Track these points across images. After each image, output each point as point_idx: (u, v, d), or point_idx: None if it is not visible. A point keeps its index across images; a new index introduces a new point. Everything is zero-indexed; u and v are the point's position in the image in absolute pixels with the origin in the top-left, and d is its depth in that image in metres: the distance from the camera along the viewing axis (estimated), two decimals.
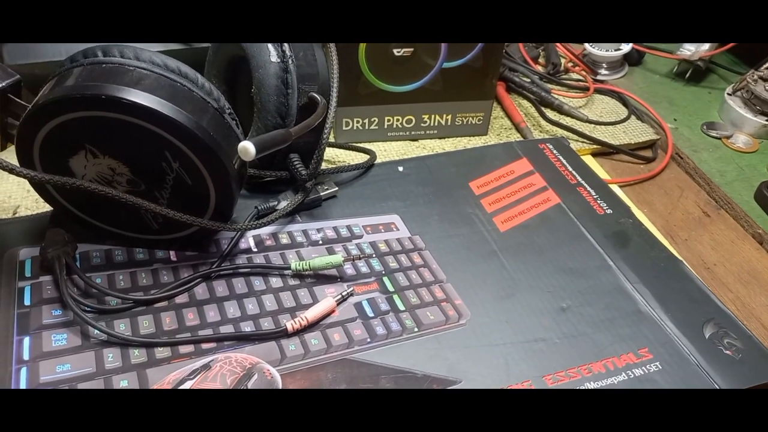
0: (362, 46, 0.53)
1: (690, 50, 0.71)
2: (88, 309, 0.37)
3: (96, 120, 0.34)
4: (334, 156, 0.56)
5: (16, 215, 0.45)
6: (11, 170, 0.34)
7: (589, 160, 0.61)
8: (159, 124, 0.34)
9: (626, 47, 0.71)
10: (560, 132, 0.62)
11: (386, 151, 0.58)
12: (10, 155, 0.37)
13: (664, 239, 0.52)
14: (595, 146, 0.61)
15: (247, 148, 0.33)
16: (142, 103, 0.34)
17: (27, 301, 0.37)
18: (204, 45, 0.50)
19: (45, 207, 0.44)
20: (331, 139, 0.58)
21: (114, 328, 0.36)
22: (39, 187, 0.38)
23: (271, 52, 0.42)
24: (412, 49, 0.54)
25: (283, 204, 0.44)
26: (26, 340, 0.35)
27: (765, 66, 0.66)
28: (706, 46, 0.70)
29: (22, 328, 0.36)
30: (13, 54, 0.51)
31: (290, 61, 0.43)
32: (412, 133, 0.60)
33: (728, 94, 0.67)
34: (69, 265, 0.38)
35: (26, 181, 0.46)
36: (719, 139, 0.64)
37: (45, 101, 0.34)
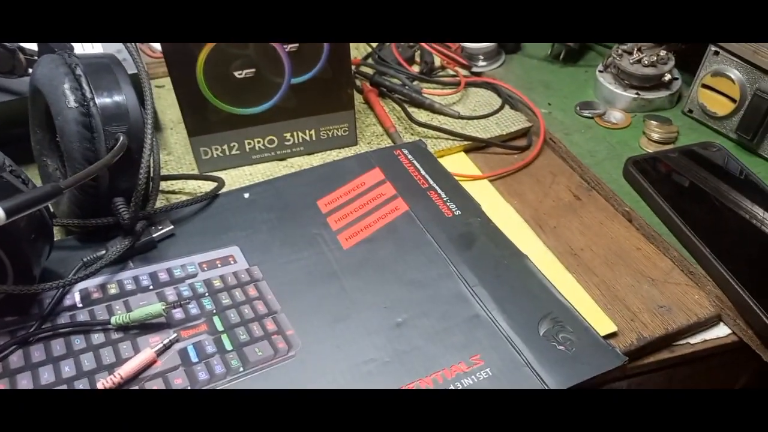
0: (200, 73, 0.51)
1: None
2: None
3: None
4: (197, 188, 0.54)
5: None
6: None
7: (462, 158, 0.59)
8: None
9: None
10: (431, 132, 0.61)
11: (252, 175, 0.56)
12: None
13: (532, 230, 0.51)
14: (466, 143, 0.60)
15: None
16: None
17: None
18: (24, 96, 0.48)
19: None
20: (194, 171, 0.57)
21: None
22: None
23: (68, 97, 0.40)
24: (254, 70, 0.53)
25: (110, 252, 0.42)
26: None
27: None
28: None
29: None
30: None
31: (91, 104, 0.41)
32: (278, 152, 0.58)
33: (599, 71, 0.66)
34: None
35: None
36: (592, 118, 0.64)
37: None
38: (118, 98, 0.42)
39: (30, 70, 0.50)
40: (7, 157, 0.36)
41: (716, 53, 0.58)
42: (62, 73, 0.41)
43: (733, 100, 0.58)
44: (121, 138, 0.40)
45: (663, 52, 0.63)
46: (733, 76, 0.57)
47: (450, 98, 0.66)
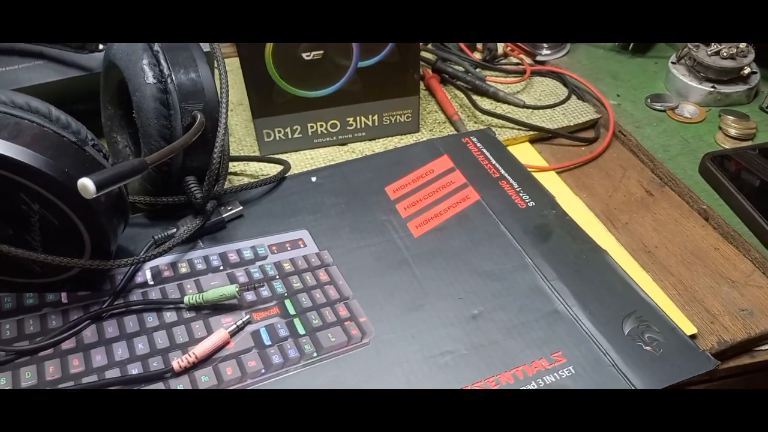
0: (268, 53, 0.51)
1: None
2: None
3: None
4: (259, 170, 0.54)
5: None
6: None
7: (527, 148, 0.58)
8: (2, 166, 0.32)
9: None
10: (495, 121, 0.59)
11: (314, 159, 0.56)
12: None
13: (603, 225, 0.50)
14: (532, 132, 0.58)
15: (86, 185, 0.31)
16: None
17: None
18: (93, 72, 0.48)
19: None
20: (255, 153, 0.56)
21: None
22: None
23: (147, 73, 0.40)
24: (322, 52, 0.52)
25: (181, 230, 0.42)
26: None
27: None
28: None
29: None
30: None
31: (169, 81, 0.40)
32: (340, 137, 0.57)
33: (672, 62, 0.64)
34: None
35: None
36: (664, 111, 0.61)
37: None
38: (194, 76, 0.41)
39: (101, 47, 0.50)
40: (89, 131, 0.36)
41: None
42: (140, 49, 0.40)
43: None
44: (199, 116, 0.40)
45: (743, 45, 0.60)
46: None
47: (514, 87, 0.64)
